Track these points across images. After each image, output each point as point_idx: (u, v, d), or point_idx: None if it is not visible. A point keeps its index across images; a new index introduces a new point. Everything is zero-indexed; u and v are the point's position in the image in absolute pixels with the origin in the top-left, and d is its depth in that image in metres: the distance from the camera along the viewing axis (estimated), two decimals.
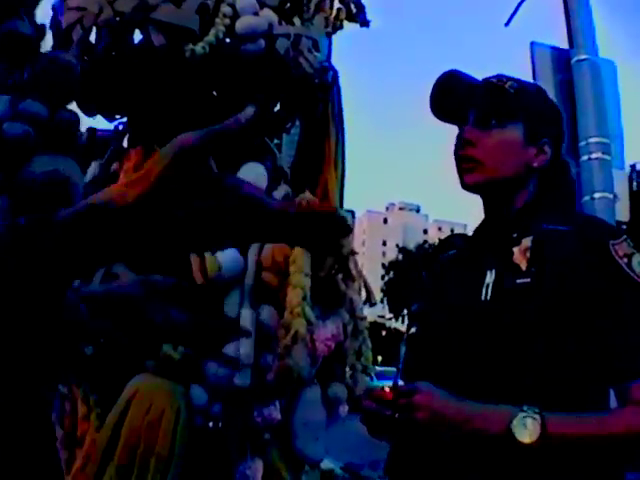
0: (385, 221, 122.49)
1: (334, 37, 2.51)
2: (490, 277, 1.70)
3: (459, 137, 1.79)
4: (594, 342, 1.55)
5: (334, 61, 2.35)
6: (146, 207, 0.75)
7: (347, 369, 1.91)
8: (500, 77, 1.86)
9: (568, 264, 1.58)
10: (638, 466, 1.59)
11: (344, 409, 1.92)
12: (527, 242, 1.66)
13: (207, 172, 0.79)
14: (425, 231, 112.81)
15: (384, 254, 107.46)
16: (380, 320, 57.00)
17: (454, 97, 1.84)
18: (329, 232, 0.80)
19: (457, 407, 1.55)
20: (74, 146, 1.39)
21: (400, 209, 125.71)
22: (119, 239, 0.80)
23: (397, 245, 69.38)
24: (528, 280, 1.61)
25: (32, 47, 1.37)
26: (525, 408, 1.45)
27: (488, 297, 1.67)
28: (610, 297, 1.57)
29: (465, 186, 1.82)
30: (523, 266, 1.64)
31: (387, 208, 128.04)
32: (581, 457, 1.49)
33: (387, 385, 1.60)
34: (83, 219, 0.79)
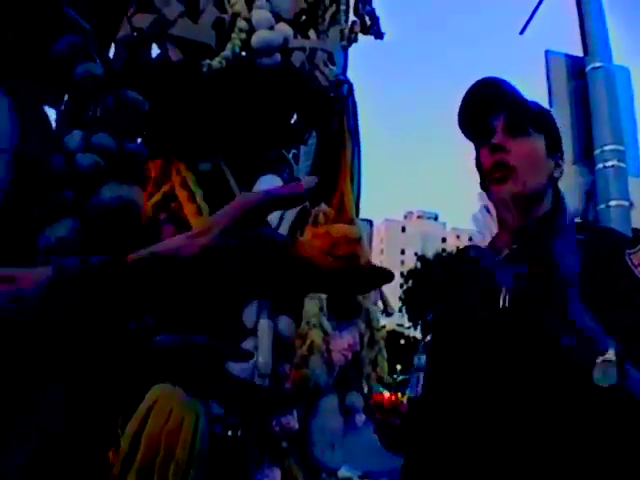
0: (403, 229, 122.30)
1: (352, 48, 2.55)
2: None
3: (489, 145, 1.82)
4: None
5: (351, 71, 2.38)
6: (208, 260, 0.80)
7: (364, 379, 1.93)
8: (520, 93, 1.90)
9: (584, 272, 1.60)
10: None
11: (361, 418, 1.94)
12: (544, 251, 1.67)
13: (265, 231, 0.84)
14: (443, 239, 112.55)
15: (402, 262, 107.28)
16: (399, 329, 56.85)
17: (481, 106, 1.87)
18: (372, 283, 0.84)
19: None
20: (140, 175, 1.46)
21: (418, 217, 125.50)
22: (181, 289, 0.84)
23: (415, 253, 69.26)
24: (545, 287, 1.63)
25: (103, 86, 1.44)
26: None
27: (506, 304, 1.69)
28: (626, 305, 1.58)
29: (495, 197, 1.84)
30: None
31: (405, 216, 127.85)
32: None
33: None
34: (149, 267, 0.84)
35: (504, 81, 1.94)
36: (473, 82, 1.94)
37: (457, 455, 1.64)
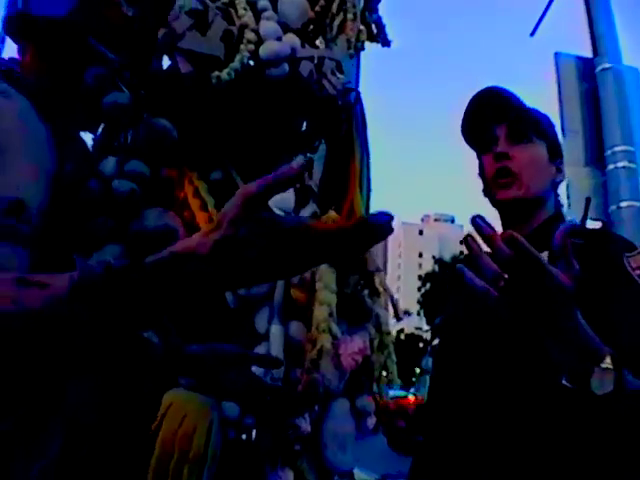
0: (421, 233, 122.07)
1: (364, 54, 2.58)
2: None
3: (493, 153, 1.85)
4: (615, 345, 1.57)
5: (367, 76, 2.40)
6: (223, 252, 0.85)
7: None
8: (521, 101, 1.94)
9: (583, 276, 1.62)
10: None
11: (372, 421, 1.97)
12: (544, 256, 1.69)
13: (268, 215, 0.88)
14: (461, 242, 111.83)
15: (420, 266, 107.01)
16: (417, 332, 56.71)
17: (484, 115, 1.91)
18: (372, 236, 0.89)
19: None
20: (172, 200, 1.51)
21: (435, 220, 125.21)
22: (201, 284, 0.90)
23: (433, 256, 69.04)
24: None
25: (131, 113, 1.48)
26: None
27: None
28: (623, 308, 1.60)
29: (501, 202, 1.87)
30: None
31: (422, 220, 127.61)
32: None
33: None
34: (168, 267, 0.89)
35: (506, 90, 1.97)
36: (476, 91, 1.98)
37: (460, 458, 1.67)
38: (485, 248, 1.27)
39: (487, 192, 1.93)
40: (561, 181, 1.92)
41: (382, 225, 0.88)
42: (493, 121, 1.91)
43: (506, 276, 1.27)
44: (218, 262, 0.86)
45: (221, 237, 0.86)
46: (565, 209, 2.07)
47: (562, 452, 1.55)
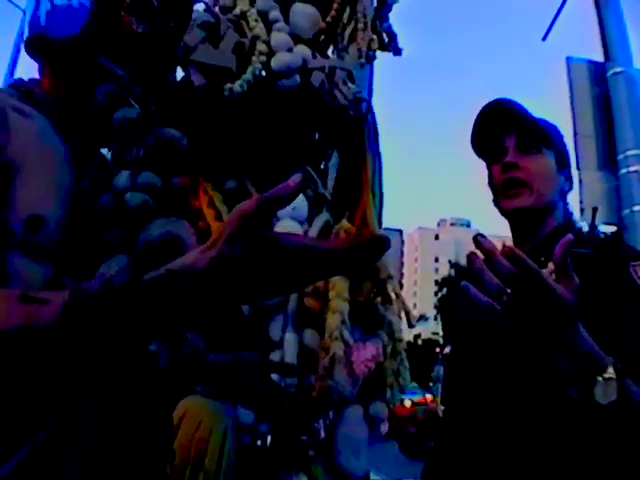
0: (437, 237, 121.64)
1: (380, 62, 2.60)
2: None
3: (502, 163, 1.87)
4: (617, 358, 1.58)
5: (382, 81, 2.41)
6: (219, 270, 0.87)
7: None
8: (529, 113, 1.95)
9: (590, 286, 1.62)
10: None
11: (385, 427, 1.98)
12: (552, 266, 1.70)
13: (267, 233, 0.90)
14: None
15: (437, 270, 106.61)
16: (434, 337, 56.49)
17: (494, 126, 1.92)
18: (372, 255, 0.91)
19: None
20: (186, 208, 1.52)
21: (451, 225, 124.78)
22: (199, 301, 0.92)
23: (449, 261, 68.79)
24: None
25: (141, 127, 1.51)
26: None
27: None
28: (630, 317, 1.61)
29: (510, 212, 1.88)
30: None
31: (438, 224, 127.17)
32: None
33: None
34: (166, 284, 0.92)
35: (514, 102, 1.99)
36: (485, 102, 1.99)
37: (471, 464, 1.68)
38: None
39: (496, 202, 1.95)
40: (569, 190, 1.93)
41: (379, 244, 0.90)
42: (502, 132, 1.93)
43: (508, 291, 1.29)
44: (215, 279, 0.88)
45: (217, 254, 0.88)
46: (577, 215, 2.09)
47: (569, 459, 1.56)
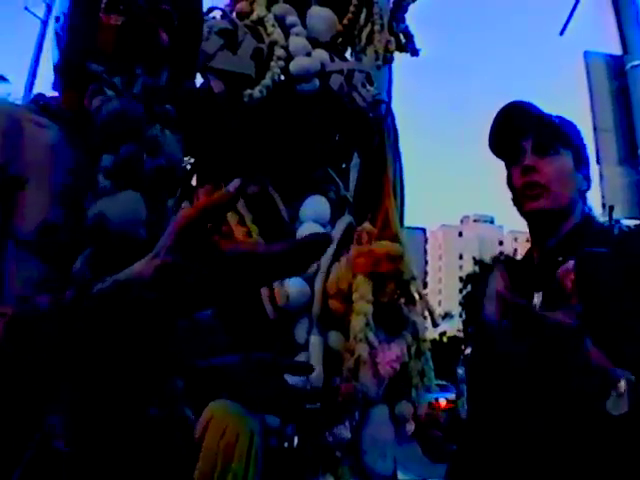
0: (460, 234, 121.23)
1: (400, 63, 2.60)
2: (537, 298, 1.76)
3: (521, 166, 1.87)
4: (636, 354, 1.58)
5: (402, 81, 2.42)
6: (163, 278, 0.89)
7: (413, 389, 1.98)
8: (545, 113, 1.95)
9: (609, 283, 1.63)
10: None
11: (411, 427, 1.99)
12: (570, 265, 1.71)
13: (208, 241, 0.93)
14: (501, 242, 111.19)
15: (461, 267, 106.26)
16: (460, 334, 56.25)
17: (510, 128, 1.93)
18: (311, 254, 0.93)
19: None
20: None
21: (474, 221, 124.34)
22: (147, 310, 0.94)
23: (473, 258, 68.57)
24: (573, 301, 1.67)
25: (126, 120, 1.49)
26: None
27: None
28: None
29: (529, 213, 1.89)
30: (567, 287, 1.69)
31: (462, 221, 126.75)
32: None
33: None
34: (113, 295, 0.94)
35: (530, 103, 1.99)
36: (502, 105, 2.00)
37: (493, 468, 1.69)
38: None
39: (516, 202, 1.95)
40: (588, 189, 1.93)
41: (317, 241, 0.92)
42: (519, 134, 1.93)
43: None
44: (160, 288, 0.91)
45: (160, 264, 0.90)
46: (599, 210, 2.08)
47: (586, 465, 1.56)
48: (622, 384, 1.42)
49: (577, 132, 1.99)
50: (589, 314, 1.64)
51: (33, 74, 12.88)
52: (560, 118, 1.95)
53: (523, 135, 1.92)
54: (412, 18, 2.54)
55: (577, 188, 1.89)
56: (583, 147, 1.96)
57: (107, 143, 1.35)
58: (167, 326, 1.02)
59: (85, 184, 1.32)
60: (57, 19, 1.53)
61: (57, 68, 1.50)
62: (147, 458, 1.25)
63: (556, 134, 1.91)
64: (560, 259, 1.77)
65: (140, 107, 1.39)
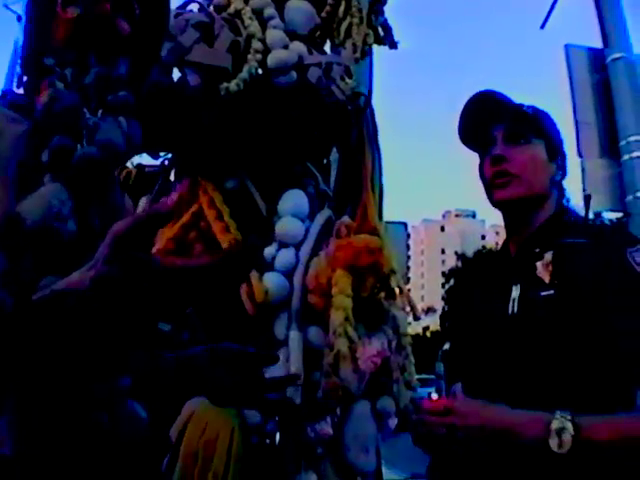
0: (442, 229, 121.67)
1: (383, 56, 2.58)
2: (516, 291, 1.76)
3: (491, 156, 1.85)
4: (619, 346, 1.58)
5: (383, 77, 2.41)
6: (99, 289, 0.89)
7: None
8: (517, 103, 1.94)
9: (588, 275, 1.62)
10: None
11: (393, 422, 1.98)
12: (549, 256, 1.70)
13: (142, 254, 0.93)
14: (483, 236, 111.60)
15: (443, 262, 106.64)
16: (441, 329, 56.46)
17: (481, 118, 1.91)
18: (241, 260, 0.94)
19: (492, 420, 1.59)
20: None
21: (456, 216, 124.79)
22: (84, 320, 0.94)
23: (456, 252, 68.83)
24: (552, 292, 1.66)
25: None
26: (558, 414, 1.49)
27: (515, 311, 1.73)
28: (630, 303, 1.60)
29: (498, 201, 1.87)
30: (546, 279, 1.69)
31: (443, 216, 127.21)
32: (613, 459, 1.51)
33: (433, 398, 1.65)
34: (50, 304, 0.94)
35: (499, 92, 1.98)
36: (470, 95, 1.99)
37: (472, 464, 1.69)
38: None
39: (487, 193, 1.94)
40: (562, 179, 1.92)
41: (243, 250, 0.94)
42: (490, 123, 1.92)
43: None
44: (96, 298, 0.91)
45: (96, 275, 0.90)
46: (580, 203, 2.07)
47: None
48: (554, 425, 1.48)
49: (550, 121, 1.97)
50: (567, 306, 1.64)
51: (12, 71, 12.81)
52: (533, 108, 1.94)
53: (494, 124, 1.91)
54: (392, 12, 2.53)
55: (550, 178, 1.88)
56: (557, 136, 1.95)
57: (44, 137, 1.34)
58: (108, 333, 1.02)
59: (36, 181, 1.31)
60: (19, 18, 1.53)
61: (21, 64, 1.49)
62: (93, 460, 1.24)
63: (528, 123, 1.90)
64: (537, 250, 1.76)
65: (74, 97, 1.38)
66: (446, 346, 1.97)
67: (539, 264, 1.73)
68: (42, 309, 0.95)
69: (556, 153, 1.90)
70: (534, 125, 1.89)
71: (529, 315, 1.71)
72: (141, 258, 0.92)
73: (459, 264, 56.40)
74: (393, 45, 2.49)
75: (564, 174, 1.94)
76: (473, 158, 2.02)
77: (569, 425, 1.48)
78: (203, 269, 0.94)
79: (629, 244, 1.68)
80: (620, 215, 6.05)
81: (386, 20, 2.49)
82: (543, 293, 1.68)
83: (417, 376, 2.06)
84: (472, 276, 2.03)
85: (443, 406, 1.61)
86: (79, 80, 1.39)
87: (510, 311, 1.74)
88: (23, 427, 1.15)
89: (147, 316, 1.03)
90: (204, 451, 1.67)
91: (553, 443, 1.48)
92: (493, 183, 1.85)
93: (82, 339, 0.98)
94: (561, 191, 1.91)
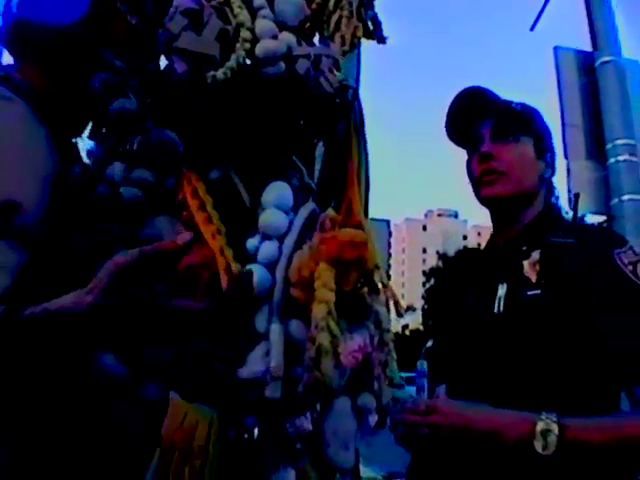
0: (424, 228, 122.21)
1: (367, 52, 2.57)
2: (502, 290, 1.75)
3: (478, 154, 1.85)
4: (604, 347, 1.57)
5: (371, 74, 2.40)
6: (94, 316, 0.88)
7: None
8: (505, 100, 1.93)
9: (576, 275, 1.62)
10: None
11: (374, 419, 1.96)
12: (536, 255, 1.69)
13: (143, 291, 0.92)
14: (464, 237, 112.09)
15: (424, 261, 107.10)
16: (422, 327, 56.69)
17: (469, 114, 1.90)
18: (243, 294, 0.95)
19: (476, 420, 1.58)
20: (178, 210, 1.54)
21: (439, 215, 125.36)
22: (73, 342, 0.93)
23: (437, 252, 69.09)
24: (538, 292, 1.66)
25: (138, 120, 1.50)
26: (543, 416, 1.48)
27: (501, 309, 1.72)
28: (617, 304, 1.60)
29: (486, 199, 1.87)
30: (533, 278, 1.69)
31: (426, 215, 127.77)
32: (597, 461, 1.51)
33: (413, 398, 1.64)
34: (41, 323, 0.92)
35: (488, 89, 1.97)
36: (458, 91, 1.98)
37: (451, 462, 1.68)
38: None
39: (474, 190, 1.93)
40: (551, 176, 1.92)
41: (241, 283, 0.95)
42: (478, 120, 1.91)
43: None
44: (92, 325, 0.90)
45: (93, 302, 0.89)
46: (566, 205, 2.07)
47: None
48: (539, 427, 1.47)
49: (539, 119, 1.97)
50: (554, 306, 1.63)
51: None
52: (522, 105, 1.94)
53: (482, 121, 1.91)
54: (382, 9, 2.52)
55: (539, 175, 1.88)
56: (546, 134, 1.95)
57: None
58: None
59: (62, 167, 1.29)
60: None
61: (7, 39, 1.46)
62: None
63: (516, 120, 1.90)
64: (525, 248, 1.76)
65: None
66: (429, 343, 1.95)
67: (526, 263, 1.73)
68: (30, 326, 0.93)
69: (545, 150, 1.90)
70: (522, 122, 1.89)
71: (515, 314, 1.70)
72: (141, 296, 0.91)
73: (440, 264, 56.61)
74: (382, 40, 2.47)
75: (553, 172, 1.94)
76: (457, 158, 2.02)
77: (554, 427, 1.47)
78: (205, 313, 0.94)
79: (617, 245, 1.68)
80: (603, 218, 6.09)
81: (376, 14, 2.47)
82: (530, 292, 1.68)
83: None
84: (456, 273, 2.02)
85: (425, 405, 1.60)
86: (140, 92, 1.40)
87: (496, 310, 1.74)
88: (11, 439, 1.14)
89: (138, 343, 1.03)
90: (182, 444, 1.65)
91: (538, 445, 1.47)
92: (481, 180, 1.85)
93: (66, 357, 0.97)
94: (550, 189, 1.91)
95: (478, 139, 1.87)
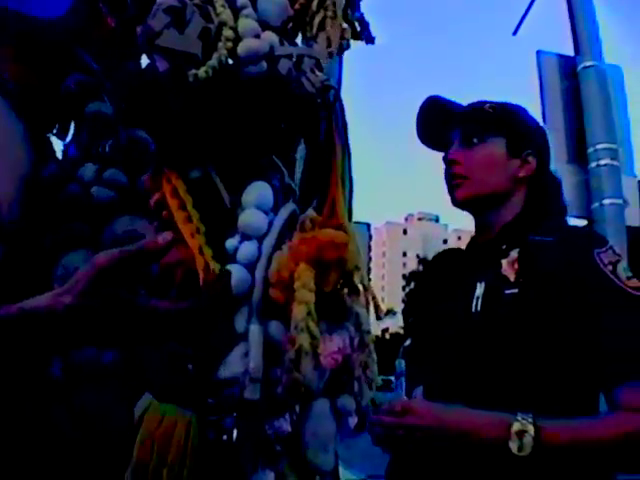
0: (405, 232, 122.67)
1: (353, 53, 2.56)
2: (480, 289, 1.76)
3: (444, 159, 1.86)
4: (582, 348, 1.57)
5: (352, 77, 2.39)
6: (71, 317, 0.87)
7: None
8: (480, 101, 1.93)
9: (555, 274, 1.62)
10: (628, 469, 1.61)
11: (353, 421, 1.96)
12: (514, 254, 1.69)
13: (124, 292, 0.92)
14: (445, 241, 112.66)
15: (404, 265, 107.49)
16: (402, 331, 56.90)
17: (437, 123, 1.91)
18: (222, 292, 0.95)
19: (452, 421, 1.58)
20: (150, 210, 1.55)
21: (419, 219, 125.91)
22: (48, 342, 0.92)
23: (417, 255, 69.32)
24: (516, 291, 1.66)
25: (112, 125, 1.50)
26: (519, 416, 1.48)
27: (478, 309, 1.72)
28: (597, 304, 1.60)
29: (455, 202, 1.88)
30: (511, 277, 1.69)
31: (406, 219, 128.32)
32: (573, 462, 1.51)
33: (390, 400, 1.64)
34: (15, 323, 0.91)
35: (446, 99, 1.99)
36: (423, 100, 1.99)
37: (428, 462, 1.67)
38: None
39: (449, 195, 1.95)
40: (530, 173, 1.91)
41: (218, 281, 0.95)
42: (446, 128, 1.92)
43: None
44: (65, 325, 0.88)
45: (72, 303, 0.88)
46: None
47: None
48: (515, 428, 1.47)
49: (516, 116, 1.97)
50: (532, 305, 1.63)
51: None
52: (496, 105, 1.94)
53: (451, 129, 1.92)
54: (368, 9, 2.51)
55: (511, 175, 1.88)
56: (523, 131, 1.94)
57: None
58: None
59: (37, 164, 1.28)
60: None
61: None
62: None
63: (483, 122, 1.90)
64: (504, 247, 1.76)
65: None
66: (407, 342, 1.96)
67: (504, 262, 1.73)
68: (8, 326, 0.92)
69: (521, 148, 1.90)
70: (491, 123, 1.89)
71: (492, 313, 1.71)
72: (122, 297, 0.90)
73: (420, 267, 56.78)
74: (370, 40, 2.47)
75: (541, 170, 1.92)
76: (438, 162, 2.03)
77: (530, 427, 1.47)
78: (186, 313, 0.93)
79: (597, 245, 1.68)
80: (584, 222, 6.13)
81: (362, 15, 2.47)
82: (508, 291, 1.68)
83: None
84: (436, 273, 2.02)
85: (401, 406, 1.59)
86: (115, 95, 1.40)
87: (473, 309, 1.74)
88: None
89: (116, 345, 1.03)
90: (160, 445, 1.64)
91: (513, 445, 1.47)
92: (450, 185, 1.87)
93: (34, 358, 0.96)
94: (537, 187, 1.90)
95: (449, 145, 1.89)
